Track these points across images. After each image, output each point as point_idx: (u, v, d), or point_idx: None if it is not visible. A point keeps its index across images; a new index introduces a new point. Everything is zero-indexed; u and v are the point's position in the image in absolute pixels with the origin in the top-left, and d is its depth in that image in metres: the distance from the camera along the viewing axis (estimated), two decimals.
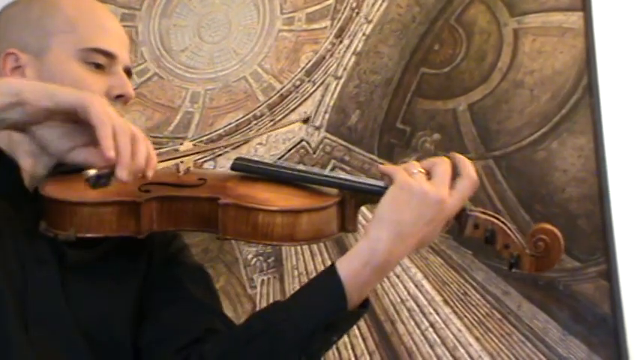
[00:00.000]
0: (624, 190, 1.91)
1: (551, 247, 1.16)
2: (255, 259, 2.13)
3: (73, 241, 1.18)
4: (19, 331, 1.15)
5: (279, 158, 2.16)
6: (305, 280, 2.07)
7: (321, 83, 2.21)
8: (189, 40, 2.38)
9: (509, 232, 1.18)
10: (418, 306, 1.98)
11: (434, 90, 2.11)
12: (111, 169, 1.03)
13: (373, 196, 1.20)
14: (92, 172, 1.04)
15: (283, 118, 2.21)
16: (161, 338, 1.25)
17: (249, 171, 1.27)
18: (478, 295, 1.95)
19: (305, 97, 2.22)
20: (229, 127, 2.27)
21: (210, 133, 2.27)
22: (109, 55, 1.28)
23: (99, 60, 1.28)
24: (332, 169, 2.09)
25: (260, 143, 2.19)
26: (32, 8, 1.31)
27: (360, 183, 1.23)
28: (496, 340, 1.91)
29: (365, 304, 1.19)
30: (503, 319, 1.92)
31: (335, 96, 2.19)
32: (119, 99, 1.29)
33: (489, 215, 1.19)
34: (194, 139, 2.18)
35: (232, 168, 1.28)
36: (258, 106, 2.26)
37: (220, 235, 1.19)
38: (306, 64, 2.24)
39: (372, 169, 2.08)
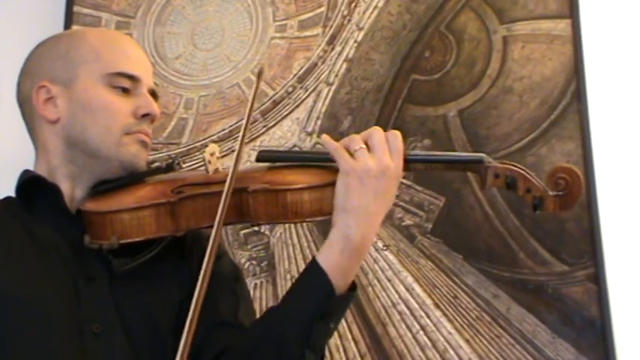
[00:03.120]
0: (612, 195, 1.91)
1: (571, 184, 1.19)
2: (248, 263, 2.13)
3: (116, 248, 1.23)
4: (72, 343, 1.20)
5: None
6: None
7: (313, 90, 2.21)
8: (183, 47, 2.38)
9: (528, 176, 1.21)
10: (409, 309, 1.98)
11: (424, 96, 2.12)
12: None
13: None
14: None
15: (276, 124, 2.22)
16: None
17: (274, 159, 1.33)
18: (468, 299, 1.95)
19: (297, 103, 2.22)
20: (223, 132, 2.27)
21: (204, 139, 2.28)
22: (133, 78, 1.34)
23: (124, 84, 1.33)
24: None
25: (253, 149, 2.18)
26: (60, 43, 1.38)
27: None
28: (486, 343, 1.91)
29: (352, 288, 1.23)
30: (493, 322, 1.92)
31: (327, 102, 2.19)
32: (145, 118, 1.34)
33: (507, 164, 1.23)
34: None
35: (257, 159, 1.33)
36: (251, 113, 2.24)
37: (254, 222, 1.25)
38: (299, 70, 2.24)
39: None
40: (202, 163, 1.32)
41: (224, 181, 1.22)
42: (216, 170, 1.30)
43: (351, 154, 1.21)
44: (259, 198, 1.22)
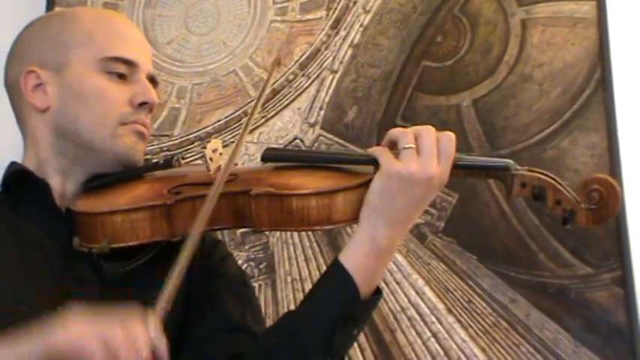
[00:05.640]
0: None
1: (607, 197, 1.14)
2: (245, 265, 2.10)
3: (107, 253, 1.21)
4: None
5: None
6: (299, 286, 2.08)
7: (316, 77, 2.19)
8: (175, 31, 2.37)
9: (559, 187, 1.17)
10: (420, 315, 1.96)
11: (436, 84, 2.09)
12: None
13: None
14: None
15: (276, 114, 2.21)
16: None
17: (280, 159, 1.30)
18: (484, 303, 1.92)
19: (299, 92, 2.20)
20: (218, 124, 2.25)
21: (199, 131, 2.26)
22: (130, 64, 1.31)
23: (120, 69, 1.30)
24: None
25: (252, 141, 2.18)
26: (51, 25, 1.35)
27: None
28: (503, 352, 1.88)
29: (377, 292, 1.21)
30: (511, 328, 1.89)
31: (331, 91, 2.17)
32: (143, 106, 1.31)
33: (536, 172, 1.19)
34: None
35: (263, 159, 1.29)
36: (249, 102, 2.23)
37: (256, 228, 1.22)
38: (300, 57, 2.22)
39: None
40: (197, 157, 1.24)
41: (227, 181, 1.19)
42: (219, 169, 1.25)
43: (396, 153, 1.17)
44: (262, 203, 1.18)
